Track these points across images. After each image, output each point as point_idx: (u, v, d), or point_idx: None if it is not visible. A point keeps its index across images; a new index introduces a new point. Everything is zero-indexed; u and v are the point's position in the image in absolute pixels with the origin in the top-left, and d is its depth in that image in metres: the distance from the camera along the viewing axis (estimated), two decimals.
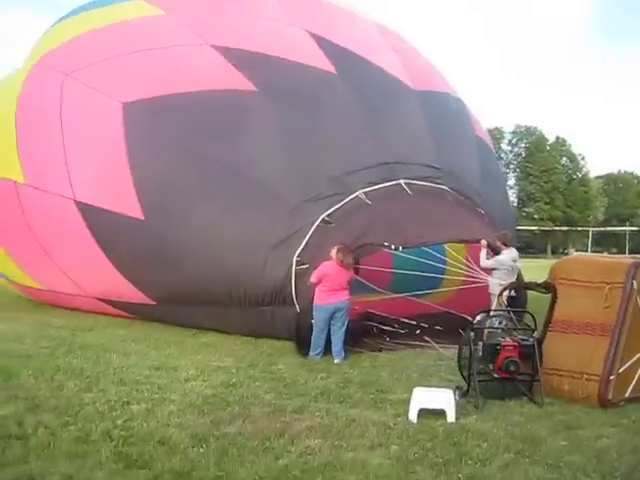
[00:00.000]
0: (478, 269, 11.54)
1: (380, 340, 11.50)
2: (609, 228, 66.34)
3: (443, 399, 7.44)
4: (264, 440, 6.62)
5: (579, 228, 69.82)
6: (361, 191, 11.40)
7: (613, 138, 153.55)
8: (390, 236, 10.91)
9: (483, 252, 11.52)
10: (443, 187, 12.09)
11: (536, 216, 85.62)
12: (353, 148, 12.01)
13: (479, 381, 8.19)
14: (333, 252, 10.39)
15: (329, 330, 10.44)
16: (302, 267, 10.91)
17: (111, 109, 12.85)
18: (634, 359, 8.29)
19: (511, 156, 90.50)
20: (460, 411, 7.59)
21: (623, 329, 8.19)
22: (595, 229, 64.41)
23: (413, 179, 11.85)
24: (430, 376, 9.45)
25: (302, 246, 11.00)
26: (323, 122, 12.25)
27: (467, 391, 8.23)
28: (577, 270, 8.76)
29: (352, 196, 11.35)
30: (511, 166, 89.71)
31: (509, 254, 11.51)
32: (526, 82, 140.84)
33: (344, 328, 10.51)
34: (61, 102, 13.70)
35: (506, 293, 10.49)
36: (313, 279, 10.40)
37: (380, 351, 11.00)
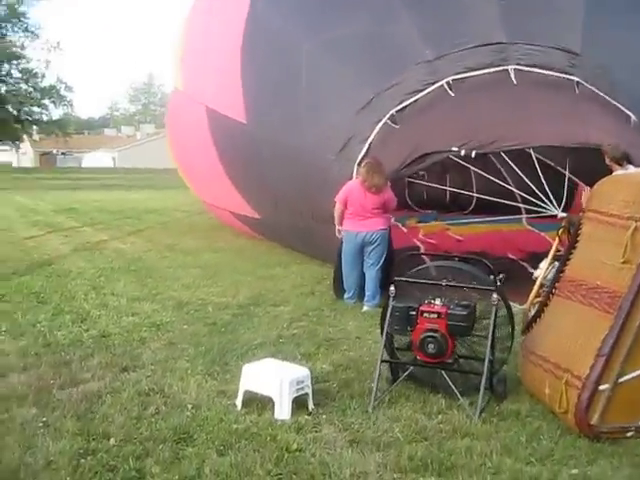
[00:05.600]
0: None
1: None
2: None
3: (272, 384, 4.82)
4: None
5: None
6: (447, 79, 8.28)
7: None
8: (465, 137, 7.80)
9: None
10: (573, 77, 8.24)
11: None
12: (464, 23, 8.80)
13: (393, 363, 5.28)
14: (360, 168, 7.77)
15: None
16: None
17: (241, 4, 11.31)
18: None
19: None
20: (334, 404, 5.04)
21: (637, 304, 4.51)
22: None
23: (530, 65, 8.25)
24: None
25: (363, 152, 8.41)
26: None
27: (392, 372, 5.35)
28: (610, 196, 5.08)
29: (433, 87, 8.31)
30: None
31: None
32: None
33: (378, 266, 7.84)
34: (211, 7, 12.67)
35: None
36: (337, 200, 7.90)
37: None
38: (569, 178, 10.15)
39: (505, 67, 8.29)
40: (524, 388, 5.31)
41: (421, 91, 8.37)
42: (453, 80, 8.33)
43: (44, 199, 23.04)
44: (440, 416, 4.82)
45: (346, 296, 8.10)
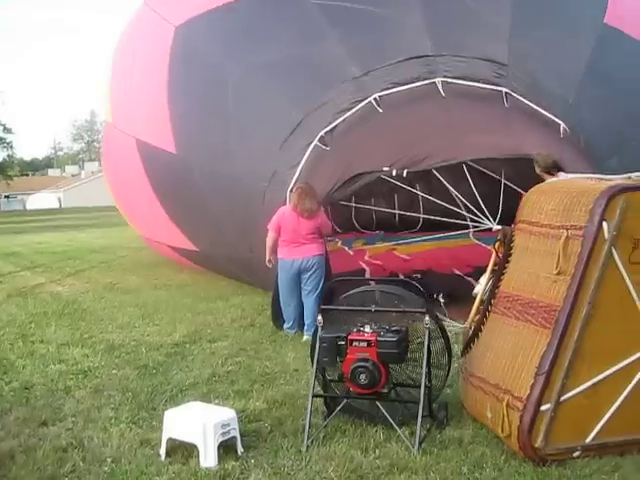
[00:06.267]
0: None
1: None
2: None
3: (195, 430, 4.46)
4: None
5: None
6: (374, 96, 8.07)
7: None
8: (395, 156, 7.60)
9: None
10: (501, 88, 8.10)
11: None
12: (390, 38, 8.63)
13: (327, 398, 4.96)
14: (291, 194, 7.52)
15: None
16: None
17: (165, 34, 10.99)
18: (607, 374, 4.29)
19: None
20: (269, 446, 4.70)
21: (575, 317, 4.26)
22: None
23: (457, 77, 8.09)
24: None
25: (295, 177, 8.13)
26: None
27: (327, 406, 5.03)
28: (540, 206, 4.86)
29: (361, 104, 8.09)
30: None
31: None
32: None
33: (316, 293, 7.53)
34: (133, 33, 12.39)
35: None
36: (270, 228, 7.61)
37: None
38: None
39: (432, 80, 8.10)
40: (467, 412, 5.02)
41: (349, 110, 8.14)
42: (381, 96, 8.10)
43: None
44: (377, 450, 4.52)
45: (286, 326, 7.80)
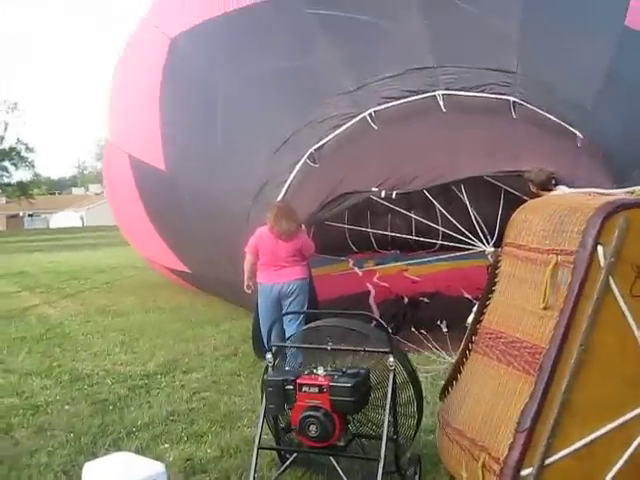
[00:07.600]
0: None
1: None
2: None
3: None
4: None
5: None
6: (369, 111, 7.42)
7: None
8: (384, 175, 6.94)
9: None
10: (508, 97, 7.38)
11: None
12: (389, 48, 7.98)
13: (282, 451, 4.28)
14: (267, 213, 6.87)
15: None
16: None
17: (160, 46, 10.45)
18: (603, 431, 3.53)
19: None
20: None
21: (563, 363, 3.52)
22: None
23: (460, 89, 7.41)
24: None
25: (281, 195, 7.50)
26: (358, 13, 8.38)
27: (280, 457, 4.34)
28: (528, 226, 4.13)
29: (354, 120, 7.44)
30: None
31: None
32: None
33: (299, 321, 6.85)
34: (133, 45, 11.91)
35: None
36: (247, 250, 6.96)
37: None
38: None
39: (432, 93, 7.41)
40: (444, 468, 4.29)
41: (341, 126, 7.54)
42: (376, 111, 7.45)
43: None
44: None
45: (268, 356, 7.06)
